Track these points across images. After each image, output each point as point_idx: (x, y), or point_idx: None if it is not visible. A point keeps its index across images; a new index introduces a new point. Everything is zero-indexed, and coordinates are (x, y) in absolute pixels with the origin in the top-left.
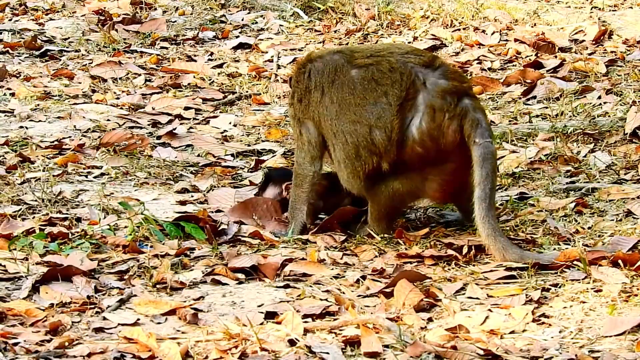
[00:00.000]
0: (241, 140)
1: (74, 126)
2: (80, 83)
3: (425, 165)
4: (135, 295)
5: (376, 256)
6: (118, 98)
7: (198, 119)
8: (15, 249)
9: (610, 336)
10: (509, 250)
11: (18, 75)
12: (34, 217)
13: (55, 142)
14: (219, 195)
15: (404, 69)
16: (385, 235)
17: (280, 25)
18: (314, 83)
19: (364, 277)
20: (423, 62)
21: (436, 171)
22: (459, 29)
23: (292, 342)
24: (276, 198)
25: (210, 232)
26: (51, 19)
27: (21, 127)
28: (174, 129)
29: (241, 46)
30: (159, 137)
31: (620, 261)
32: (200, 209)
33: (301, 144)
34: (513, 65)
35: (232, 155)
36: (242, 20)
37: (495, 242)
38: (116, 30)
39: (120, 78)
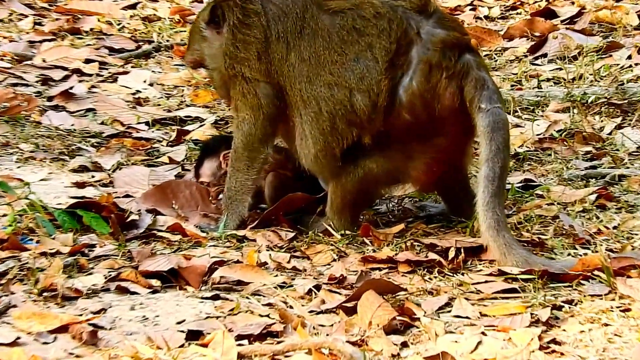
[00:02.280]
0: (159, 105)
1: None
2: None
3: (411, 138)
4: (14, 306)
5: (334, 260)
6: None
7: (103, 76)
8: None
9: None
10: (513, 251)
11: None
12: None
13: None
14: (128, 176)
15: (393, 15)
16: (348, 232)
17: None
18: (274, 32)
19: (317, 287)
20: (415, 6)
21: (423, 147)
22: None
23: None
24: (215, 174)
25: (116, 225)
26: None
27: None
28: (71, 88)
29: None
30: (50, 99)
31: None
32: (104, 193)
33: (249, 115)
34: (517, 14)
35: (147, 123)
36: None
37: (496, 238)
38: None
39: (0, 20)
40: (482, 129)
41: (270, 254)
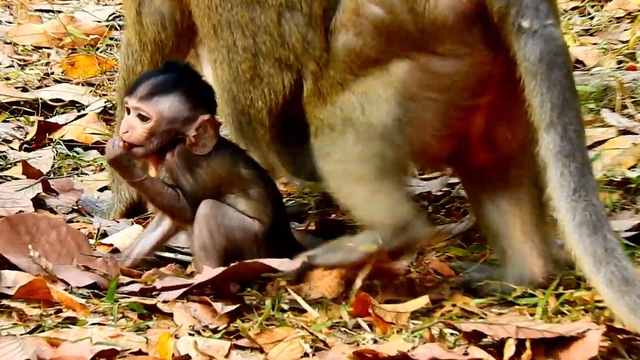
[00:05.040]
0: (7, 79)
1: None
2: None
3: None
4: None
5: (306, 355)
6: None
7: None
8: None
9: None
10: None
11: None
12: None
13: None
14: None
15: None
16: (327, 298)
17: None
18: None
19: None
20: None
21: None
22: None
23: None
24: (156, 140)
25: None
26: None
27: None
28: None
29: None
30: None
31: None
32: None
33: (135, 50)
34: None
35: None
36: None
37: (606, 274)
38: None
39: None
40: (527, 65)
41: (195, 341)
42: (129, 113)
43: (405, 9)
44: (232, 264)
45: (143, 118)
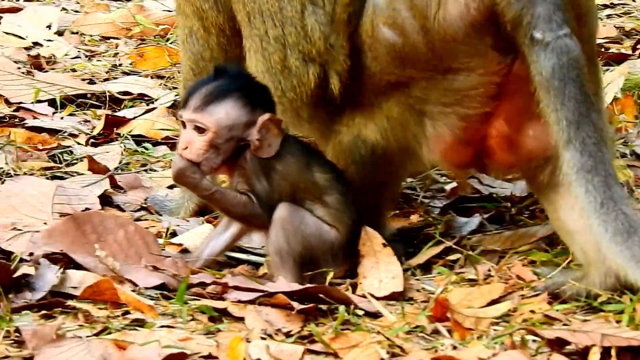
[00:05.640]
0: (73, 70)
1: None
2: None
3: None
4: None
5: None
6: None
7: None
8: None
9: None
10: None
11: None
12: None
13: None
14: (16, 195)
15: None
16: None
17: None
18: None
19: None
20: None
21: (427, 93)
22: None
23: None
24: (219, 151)
25: None
26: None
27: None
28: None
29: None
30: None
31: None
32: None
33: (200, 36)
34: None
35: (52, 103)
36: None
37: None
38: None
39: None
40: (540, 80)
41: (267, 345)
42: (185, 127)
43: (416, 28)
44: (310, 285)
45: (200, 130)
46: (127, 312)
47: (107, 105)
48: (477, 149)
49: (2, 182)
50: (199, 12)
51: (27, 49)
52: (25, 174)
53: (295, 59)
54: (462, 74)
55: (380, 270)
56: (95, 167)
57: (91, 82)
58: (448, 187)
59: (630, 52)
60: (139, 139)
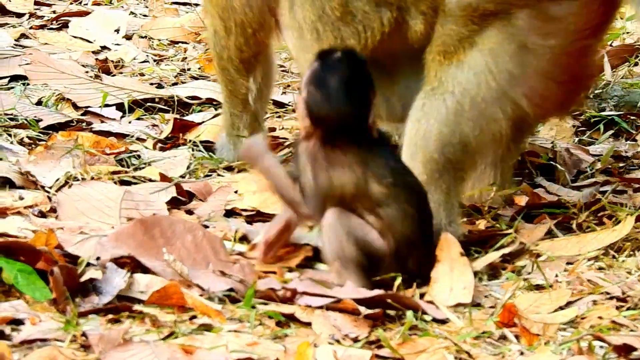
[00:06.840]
0: (141, 74)
1: None
2: None
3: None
4: None
5: None
6: None
7: (43, 18)
8: None
9: None
10: None
11: None
12: None
13: None
14: (84, 199)
15: None
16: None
17: None
18: None
19: None
20: None
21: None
22: None
23: None
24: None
25: (62, 286)
26: None
27: None
28: None
29: None
30: None
31: None
32: (40, 228)
33: (222, 37)
34: None
35: (120, 107)
36: None
37: None
38: None
39: None
40: None
41: (335, 350)
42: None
43: None
44: (379, 291)
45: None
46: (194, 317)
47: (175, 110)
48: (578, 86)
49: (70, 186)
50: (226, 12)
51: (95, 52)
52: (92, 178)
53: (364, 3)
54: (564, 3)
55: (453, 279)
56: (164, 174)
57: (159, 86)
58: (516, 197)
59: None
60: (207, 144)
